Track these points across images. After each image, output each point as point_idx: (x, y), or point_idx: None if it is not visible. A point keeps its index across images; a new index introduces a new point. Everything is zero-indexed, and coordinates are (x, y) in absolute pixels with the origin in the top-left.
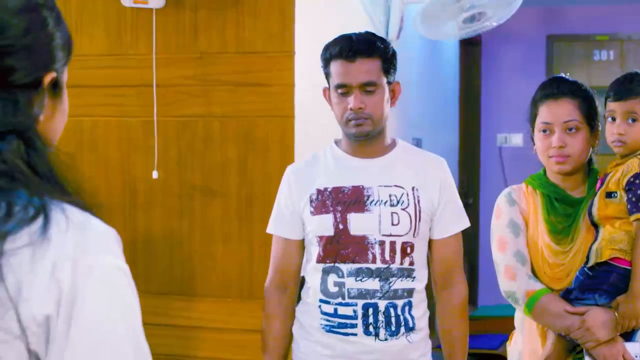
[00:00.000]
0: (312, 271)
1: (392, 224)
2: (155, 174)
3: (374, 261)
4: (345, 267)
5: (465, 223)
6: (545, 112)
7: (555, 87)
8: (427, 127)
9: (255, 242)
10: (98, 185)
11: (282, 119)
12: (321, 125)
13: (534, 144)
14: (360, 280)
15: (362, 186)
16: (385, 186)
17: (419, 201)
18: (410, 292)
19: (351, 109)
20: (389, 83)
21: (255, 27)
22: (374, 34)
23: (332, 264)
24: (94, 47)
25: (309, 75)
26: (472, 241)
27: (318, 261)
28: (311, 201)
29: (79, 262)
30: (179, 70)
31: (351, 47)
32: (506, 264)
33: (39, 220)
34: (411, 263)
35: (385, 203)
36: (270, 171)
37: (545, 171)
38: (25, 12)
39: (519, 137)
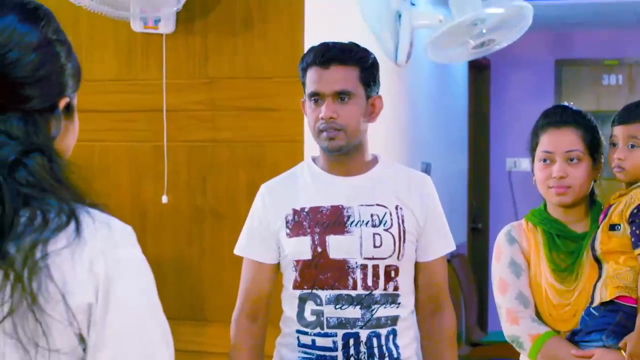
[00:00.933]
0: (288, 298)
1: (375, 246)
2: (164, 199)
3: (354, 287)
4: (323, 294)
5: (452, 245)
6: (547, 140)
7: (558, 116)
8: (436, 151)
9: None
10: (108, 210)
11: (291, 144)
12: None
13: (533, 175)
14: (340, 307)
15: (342, 206)
16: (366, 205)
17: (403, 221)
18: (394, 320)
19: (322, 118)
20: (368, 96)
21: (264, 52)
22: (356, 44)
23: (310, 291)
24: (104, 72)
25: None
26: (482, 266)
27: (294, 287)
28: (287, 222)
29: (109, 256)
30: (189, 95)
31: (325, 53)
32: (508, 307)
33: (72, 224)
34: (396, 288)
35: (366, 223)
36: None
37: (545, 205)
38: (40, 48)
39: (528, 162)
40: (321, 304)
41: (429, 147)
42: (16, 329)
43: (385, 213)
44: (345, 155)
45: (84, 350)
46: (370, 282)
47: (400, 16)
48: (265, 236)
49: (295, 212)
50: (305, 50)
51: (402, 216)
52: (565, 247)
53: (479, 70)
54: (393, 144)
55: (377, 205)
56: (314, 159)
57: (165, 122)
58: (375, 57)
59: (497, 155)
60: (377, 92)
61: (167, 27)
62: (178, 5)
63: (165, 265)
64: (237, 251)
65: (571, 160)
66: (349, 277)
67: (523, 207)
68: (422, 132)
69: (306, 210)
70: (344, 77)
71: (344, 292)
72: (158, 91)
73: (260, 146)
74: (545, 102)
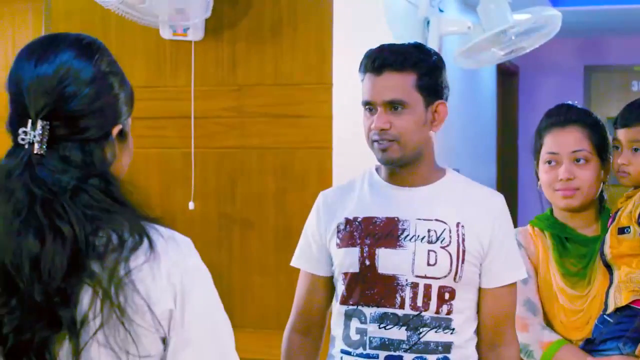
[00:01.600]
0: (336, 315)
1: (428, 264)
2: (191, 205)
3: (401, 306)
4: (368, 311)
5: (521, 273)
6: (551, 141)
7: (562, 115)
8: (465, 157)
9: (293, 273)
10: (165, 222)
11: (320, 151)
12: (359, 157)
13: (538, 179)
14: (384, 327)
15: (397, 218)
16: (424, 220)
17: (463, 240)
18: (446, 347)
19: (373, 129)
20: (428, 103)
21: (293, 59)
22: (417, 46)
23: (355, 307)
24: (133, 79)
25: (346, 107)
26: None
27: (341, 302)
28: (338, 231)
29: (182, 267)
30: (217, 102)
31: (377, 59)
32: (516, 315)
33: (145, 241)
34: (450, 312)
35: (422, 239)
36: (308, 203)
37: (552, 211)
38: (94, 82)
39: None
40: (365, 322)
41: (458, 153)
42: (108, 340)
43: (444, 229)
44: (404, 167)
45: (164, 350)
46: (419, 303)
47: (428, 23)
48: (318, 246)
49: (347, 221)
50: (334, 57)
51: (463, 235)
52: (576, 251)
53: (507, 76)
54: None
55: (436, 220)
56: (376, 168)
57: (193, 129)
58: (438, 59)
59: (527, 162)
60: (443, 97)
61: (196, 34)
62: (207, 14)
63: None
64: (292, 262)
65: (578, 161)
66: (397, 295)
67: None
68: (451, 139)
69: (359, 220)
70: (397, 84)
71: (390, 310)
72: (187, 98)
73: (288, 153)
74: None
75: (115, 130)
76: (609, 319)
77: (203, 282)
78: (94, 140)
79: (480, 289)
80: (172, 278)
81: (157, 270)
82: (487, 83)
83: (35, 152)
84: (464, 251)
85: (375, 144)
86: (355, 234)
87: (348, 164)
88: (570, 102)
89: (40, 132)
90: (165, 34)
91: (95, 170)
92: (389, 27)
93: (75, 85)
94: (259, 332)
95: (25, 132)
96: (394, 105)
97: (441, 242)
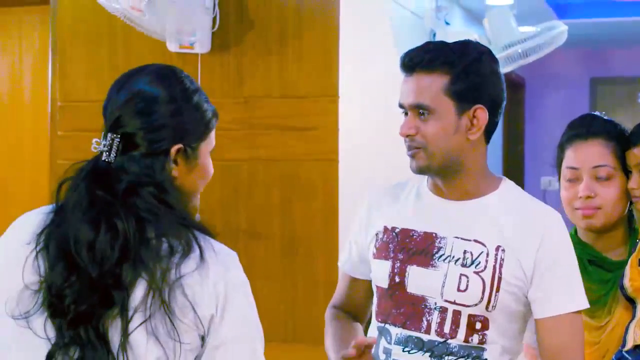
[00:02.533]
0: (371, 328)
1: (459, 289)
2: (197, 217)
3: (427, 331)
4: (394, 331)
5: (580, 303)
6: (572, 155)
7: (585, 127)
8: None
9: (299, 286)
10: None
11: (326, 163)
12: (366, 168)
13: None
14: (408, 351)
15: (435, 234)
16: (462, 239)
17: (501, 265)
18: None
19: (400, 135)
20: (462, 109)
21: (299, 71)
22: (463, 42)
23: (383, 324)
24: None
25: (353, 118)
26: None
27: (376, 317)
28: (376, 240)
29: (226, 278)
30: (224, 114)
31: (408, 56)
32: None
33: (197, 250)
34: (482, 342)
35: (456, 261)
36: (314, 214)
37: (576, 230)
38: (156, 104)
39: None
40: (390, 342)
41: None
42: (154, 329)
43: (482, 253)
44: (443, 177)
45: (202, 346)
46: (447, 329)
47: (434, 35)
48: (359, 248)
49: (385, 230)
50: (340, 68)
51: (502, 259)
52: (598, 276)
53: (513, 88)
54: None
55: (475, 241)
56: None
57: None
58: (480, 58)
59: (532, 174)
60: (483, 101)
61: (202, 46)
62: (213, 27)
63: None
64: (339, 262)
65: (600, 177)
66: (424, 319)
67: None
68: None
69: (397, 230)
70: (423, 87)
71: (415, 334)
72: None
73: (295, 165)
74: None
75: (173, 150)
76: (627, 356)
77: (242, 294)
78: (150, 155)
79: (535, 320)
80: (217, 287)
81: (205, 278)
82: None
83: (103, 159)
84: (499, 279)
85: (407, 151)
86: (390, 245)
87: (354, 175)
88: (595, 113)
89: (108, 142)
90: (172, 46)
91: (152, 179)
92: (395, 39)
93: (140, 106)
94: (265, 343)
95: (97, 142)
96: (419, 110)
97: (475, 266)
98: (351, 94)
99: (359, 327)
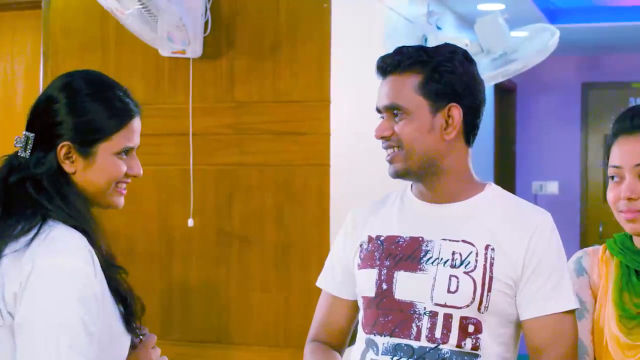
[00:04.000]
0: (358, 342)
1: (449, 291)
2: (190, 222)
3: (417, 337)
4: (381, 341)
5: (568, 303)
6: (616, 152)
7: (628, 121)
8: None
9: (292, 290)
10: (135, 233)
11: (318, 168)
12: (357, 173)
13: None
14: None
15: (422, 238)
16: (450, 240)
17: (491, 265)
18: None
19: (376, 137)
20: (436, 108)
21: (291, 76)
22: (439, 45)
23: (370, 336)
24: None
25: (345, 123)
26: None
27: (362, 329)
28: (360, 251)
29: (38, 261)
30: (216, 119)
31: (381, 60)
32: None
33: (32, 234)
34: (476, 347)
35: (445, 262)
36: (307, 219)
37: (632, 236)
38: (38, 107)
39: (555, 185)
40: (378, 354)
41: None
42: None
43: (471, 252)
44: (424, 180)
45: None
46: (438, 334)
47: (426, 40)
48: (343, 267)
49: (370, 239)
50: (332, 74)
51: (492, 259)
52: None
53: (505, 93)
54: None
55: (463, 241)
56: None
57: (191, 146)
58: (453, 57)
59: (524, 178)
60: (458, 100)
61: (194, 51)
62: (205, 32)
63: (192, 288)
64: (317, 282)
65: None
66: (413, 325)
67: None
68: None
69: (382, 238)
70: (396, 88)
71: (404, 341)
72: (185, 115)
73: (287, 170)
74: (571, 125)
75: (59, 147)
76: None
77: (51, 280)
78: (41, 152)
79: (521, 322)
80: (25, 267)
81: (20, 258)
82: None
83: (19, 154)
84: (491, 278)
85: (386, 155)
86: (376, 254)
87: (346, 181)
88: None
89: (23, 140)
90: (164, 51)
91: (31, 173)
92: (387, 44)
93: (38, 108)
94: (258, 348)
95: (15, 140)
96: (394, 111)
97: (465, 266)
98: (343, 99)
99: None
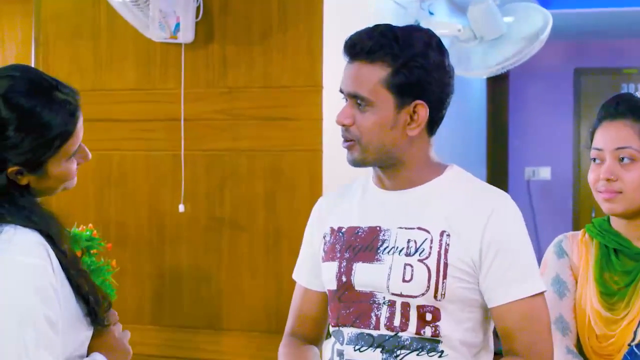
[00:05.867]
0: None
1: (404, 280)
2: (181, 208)
3: (376, 326)
4: (346, 332)
5: (534, 287)
6: (599, 136)
7: (613, 107)
8: (454, 161)
9: (283, 276)
10: (125, 219)
11: (310, 154)
12: None
13: None
14: (359, 349)
15: (379, 227)
16: (405, 228)
17: (446, 251)
18: None
19: (337, 122)
20: (403, 104)
21: (283, 62)
22: (409, 30)
23: (337, 328)
24: (123, 81)
25: (336, 109)
26: None
27: (330, 321)
28: (325, 243)
29: None
30: (207, 104)
31: (352, 43)
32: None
33: None
34: (436, 334)
35: (400, 251)
36: (298, 205)
37: (610, 217)
38: None
39: (547, 171)
40: (343, 343)
41: (447, 156)
42: None
43: (426, 239)
44: (381, 169)
45: None
46: (396, 323)
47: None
48: (312, 258)
49: (332, 231)
50: (324, 59)
51: (447, 245)
52: (622, 267)
53: (497, 79)
54: None
55: (419, 228)
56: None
57: (183, 132)
58: (427, 53)
59: (516, 164)
60: (425, 97)
61: (186, 36)
62: (197, 17)
63: (182, 274)
64: (293, 274)
65: (622, 159)
66: (372, 314)
67: (542, 217)
68: (440, 141)
69: (343, 230)
70: (360, 76)
71: (365, 331)
72: (176, 100)
73: (278, 156)
74: (564, 111)
75: (9, 172)
76: (637, 351)
77: (5, 280)
78: None
79: (490, 309)
80: None
81: None
82: (476, 86)
83: None
84: (445, 264)
85: (343, 141)
86: (337, 246)
87: (338, 166)
88: (628, 92)
89: None
90: (156, 37)
91: None
92: None
93: None
94: (248, 334)
95: None
96: (357, 100)
97: (420, 254)
98: (335, 84)
99: (314, 353)
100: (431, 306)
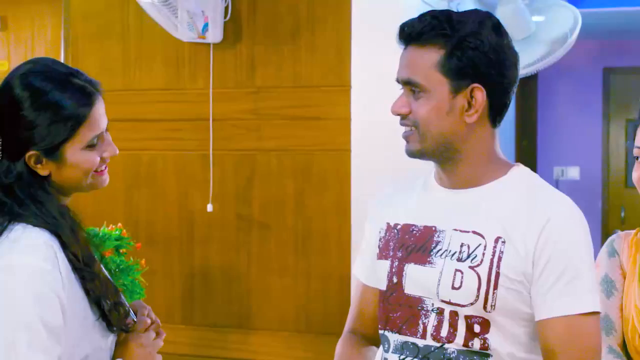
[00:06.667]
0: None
1: (453, 287)
2: (210, 207)
3: (423, 335)
4: (392, 338)
5: (586, 304)
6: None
7: None
8: None
9: (311, 276)
10: (155, 219)
11: (338, 153)
12: (378, 159)
13: None
14: (403, 359)
15: (435, 228)
16: (460, 231)
17: (499, 259)
18: None
19: (392, 113)
20: (459, 87)
21: (311, 61)
22: (467, 12)
23: (383, 331)
24: (152, 82)
25: (365, 108)
26: None
27: (378, 324)
28: (380, 239)
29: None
30: (235, 104)
31: (404, 28)
32: None
33: None
34: (485, 347)
35: (452, 255)
36: (327, 204)
37: None
38: (3, 114)
39: (576, 170)
40: (388, 351)
41: None
42: None
43: (479, 245)
44: (440, 163)
45: None
46: (444, 333)
47: None
48: (370, 252)
49: (388, 227)
50: (352, 58)
51: (502, 252)
52: None
53: (526, 79)
54: None
55: (474, 232)
56: None
57: (211, 131)
58: (480, 32)
59: (545, 164)
60: (481, 80)
61: (214, 37)
62: (225, 17)
63: (212, 273)
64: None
65: None
66: (420, 322)
67: None
68: None
69: (399, 227)
70: (415, 62)
71: (411, 339)
72: (205, 100)
73: (307, 155)
74: (593, 110)
75: (27, 156)
76: None
77: (6, 282)
78: (6, 159)
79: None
80: None
81: None
82: None
83: None
84: (497, 274)
85: (403, 132)
86: (390, 243)
87: (366, 166)
88: None
89: None
90: (184, 37)
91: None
92: None
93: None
94: (277, 333)
95: None
96: (412, 88)
97: (471, 260)
98: (363, 84)
99: (370, 357)
100: (480, 317)
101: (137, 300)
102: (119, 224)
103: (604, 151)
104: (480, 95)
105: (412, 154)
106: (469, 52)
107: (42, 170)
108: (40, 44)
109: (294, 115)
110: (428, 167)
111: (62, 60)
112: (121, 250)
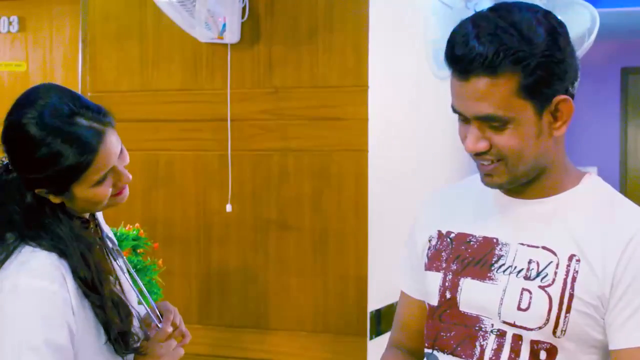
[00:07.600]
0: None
1: (519, 308)
2: (229, 207)
3: (480, 359)
4: (443, 359)
5: None
6: None
7: None
8: None
9: (329, 276)
10: (173, 219)
11: (356, 154)
12: (396, 159)
13: None
14: None
15: (496, 240)
16: (528, 246)
17: (574, 279)
18: None
19: (467, 150)
20: (543, 105)
21: (329, 61)
22: (521, 29)
23: (431, 350)
24: (170, 82)
25: (383, 109)
26: None
27: (425, 341)
28: (429, 247)
29: (3, 283)
30: (253, 104)
31: (462, 57)
32: None
33: (2, 256)
34: None
35: (518, 272)
36: (345, 206)
37: None
38: (18, 143)
39: (594, 171)
40: None
41: None
42: None
43: (551, 263)
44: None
45: None
46: (504, 358)
47: None
48: (415, 260)
49: (439, 235)
50: (370, 59)
51: (575, 272)
52: None
53: None
54: (451, 155)
55: (544, 248)
56: None
57: (229, 132)
58: (556, 41)
59: None
60: (564, 89)
61: (232, 37)
62: (243, 17)
63: (230, 273)
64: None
65: None
66: (477, 344)
67: None
68: None
69: (452, 236)
70: (488, 95)
71: None
72: (223, 101)
73: (325, 156)
74: (610, 111)
75: (37, 191)
76: None
77: (10, 300)
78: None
79: (610, 352)
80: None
81: None
82: None
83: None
84: (571, 296)
85: (479, 166)
86: (443, 254)
87: (384, 166)
88: None
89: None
90: (202, 37)
91: (8, 202)
92: (425, 29)
93: (6, 146)
94: (294, 334)
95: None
96: (490, 123)
97: (541, 279)
98: (381, 84)
99: None
100: (548, 343)
101: (163, 302)
102: (137, 224)
103: (621, 152)
104: (565, 105)
105: (498, 186)
106: (551, 67)
107: (54, 200)
108: (59, 44)
109: (312, 115)
110: (451, 169)
111: (80, 61)
112: (138, 250)
